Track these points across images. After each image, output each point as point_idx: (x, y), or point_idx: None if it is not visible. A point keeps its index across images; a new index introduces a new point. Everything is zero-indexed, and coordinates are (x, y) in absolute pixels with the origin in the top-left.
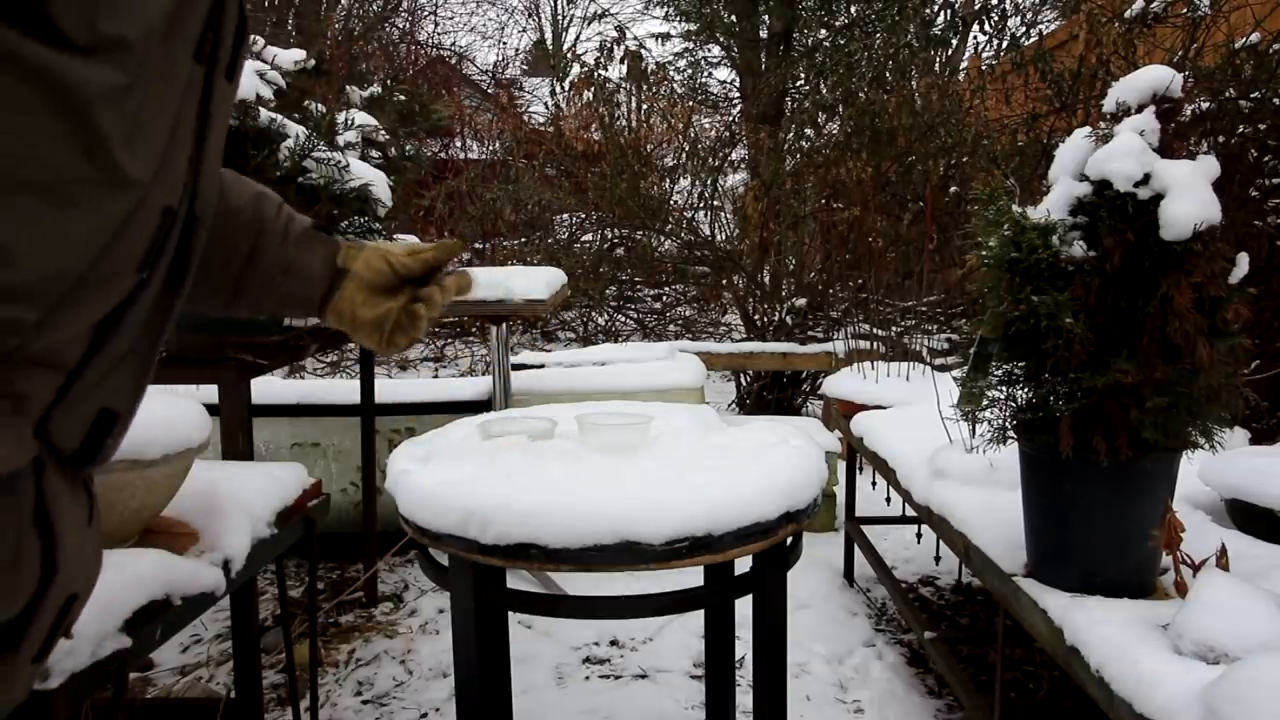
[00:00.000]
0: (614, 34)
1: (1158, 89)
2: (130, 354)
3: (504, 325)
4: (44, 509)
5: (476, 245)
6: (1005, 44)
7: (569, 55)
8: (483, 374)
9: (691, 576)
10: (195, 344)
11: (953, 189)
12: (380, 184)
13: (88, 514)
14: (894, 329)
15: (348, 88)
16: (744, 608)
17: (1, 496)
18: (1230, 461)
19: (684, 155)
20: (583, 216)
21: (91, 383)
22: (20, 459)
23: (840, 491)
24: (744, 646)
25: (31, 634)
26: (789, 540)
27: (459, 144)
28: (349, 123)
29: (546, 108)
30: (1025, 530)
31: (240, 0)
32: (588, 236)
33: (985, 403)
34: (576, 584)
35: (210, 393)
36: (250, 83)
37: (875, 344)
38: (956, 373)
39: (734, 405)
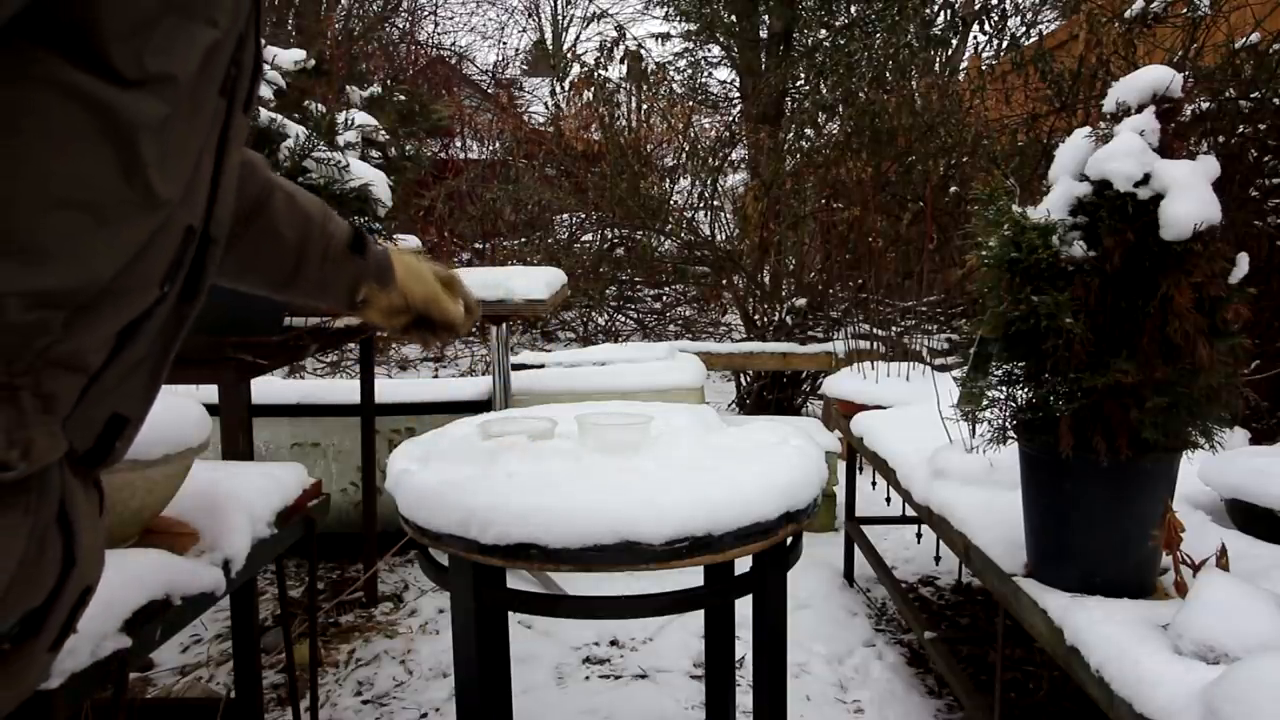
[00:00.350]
0: (614, 34)
1: (1158, 89)
2: (144, 361)
3: (504, 325)
4: (63, 505)
5: (476, 245)
6: (1005, 44)
7: (569, 55)
8: (483, 374)
9: (691, 576)
10: (195, 344)
11: (953, 189)
12: (380, 184)
13: (98, 511)
14: (894, 329)
15: (348, 88)
16: (744, 608)
17: (35, 491)
18: (1230, 461)
19: (684, 155)
20: (583, 216)
21: (108, 387)
22: (54, 454)
23: (840, 491)
24: (744, 646)
25: (50, 623)
26: (789, 540)
27: (459, 144)
28: (349, 123)
29: (546, 108)
30: (1025, 530)
31: (258, 40)
32: (588, 236)
33: (985, 403)
34: (576, 584)
35: (210, 393)
36: None
37: (875, 344)
38: (956, 373)
39: (734, 405)
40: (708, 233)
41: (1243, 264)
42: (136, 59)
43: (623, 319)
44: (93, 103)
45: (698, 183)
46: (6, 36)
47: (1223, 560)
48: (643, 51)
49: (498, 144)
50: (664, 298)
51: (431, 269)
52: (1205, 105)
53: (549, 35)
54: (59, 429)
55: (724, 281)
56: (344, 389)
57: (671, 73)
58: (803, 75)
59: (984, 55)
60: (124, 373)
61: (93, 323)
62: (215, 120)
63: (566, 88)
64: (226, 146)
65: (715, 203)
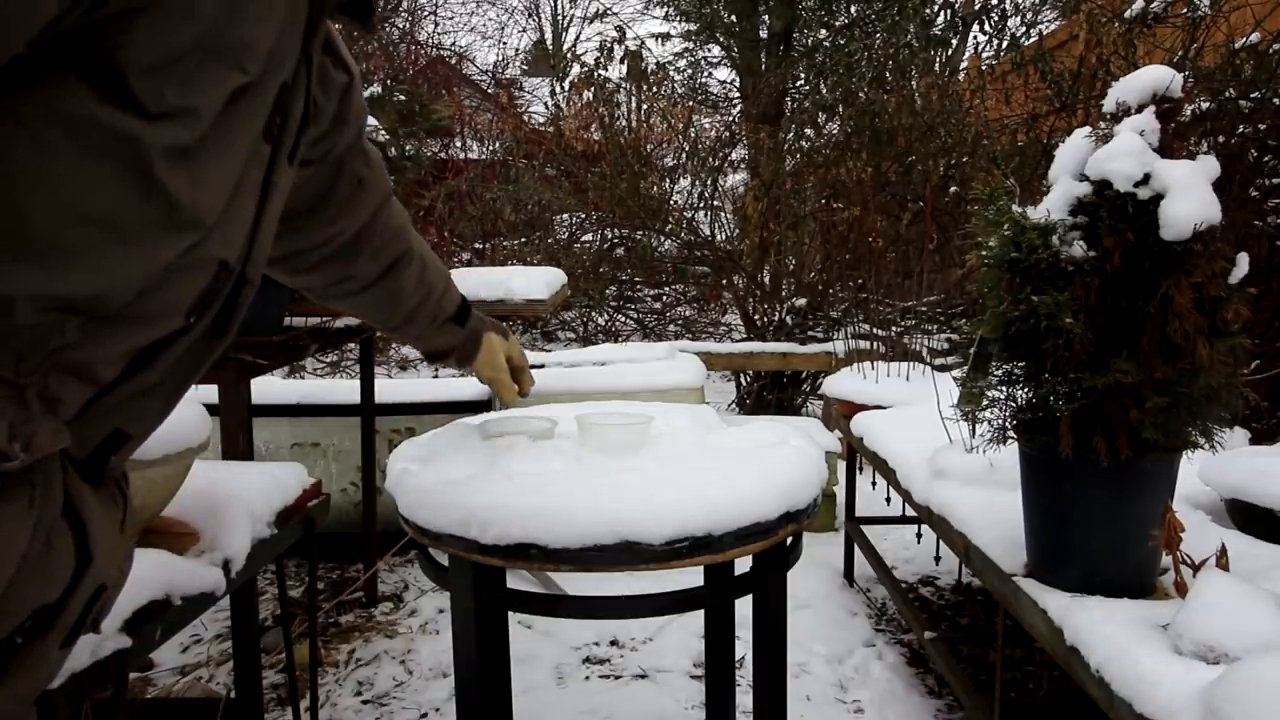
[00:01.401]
0: (614, 34)
1: (1158, 89)
2: (160, 386)
3: (504, 325)
4: (70, 502)
5: (476, 245)
6: (1005, 44)
7: (569, 55)
8: None
9: (691, 576)
10: None
11: (953, 189)
12: None
13: (120, 512)
14: (894, 329)
15: None
16: (744, 608)
17: (39, 485)
18: (1230, 461)
19: (684, 155)
20: (583, 216)
21: (114, 404)
22: (55, 445)
23: (840, 491)
24: (744, 646)
25: (63, 619)
26: (789, 540)
27: (459, 144)
28: None
29: (546, 108)
30: (1025, 530)
31: (307, 96)
32: (588, 236)
33: (985, 403)
34: (576, 584)
35: (210, 393)
36: None
37: (875, 344)
38: (956, 373)
39: (734, 405)
40: (708, 233)
41: (1243, 264)
42: (158, 92)
43: (623, 319)
44: (112, 130)
45: (698, 183)
46: (37, 63)
47: (1223, 560)
48: (643, 51)
49: (498, 144)
50: (664, 298)
51: (509, 352)
52: (1205, 105)
53: (549, 35)
54: (62, 425)
55: (724, 281)
56: (344, 389)
57: (671, 73)
58: (803, 75)
59: (984, 55)
60: (136, 393)
61: (108, 336)
62: (256, 162)
63: (566, 88)
64: (270, 191)
65: (715, 203)
